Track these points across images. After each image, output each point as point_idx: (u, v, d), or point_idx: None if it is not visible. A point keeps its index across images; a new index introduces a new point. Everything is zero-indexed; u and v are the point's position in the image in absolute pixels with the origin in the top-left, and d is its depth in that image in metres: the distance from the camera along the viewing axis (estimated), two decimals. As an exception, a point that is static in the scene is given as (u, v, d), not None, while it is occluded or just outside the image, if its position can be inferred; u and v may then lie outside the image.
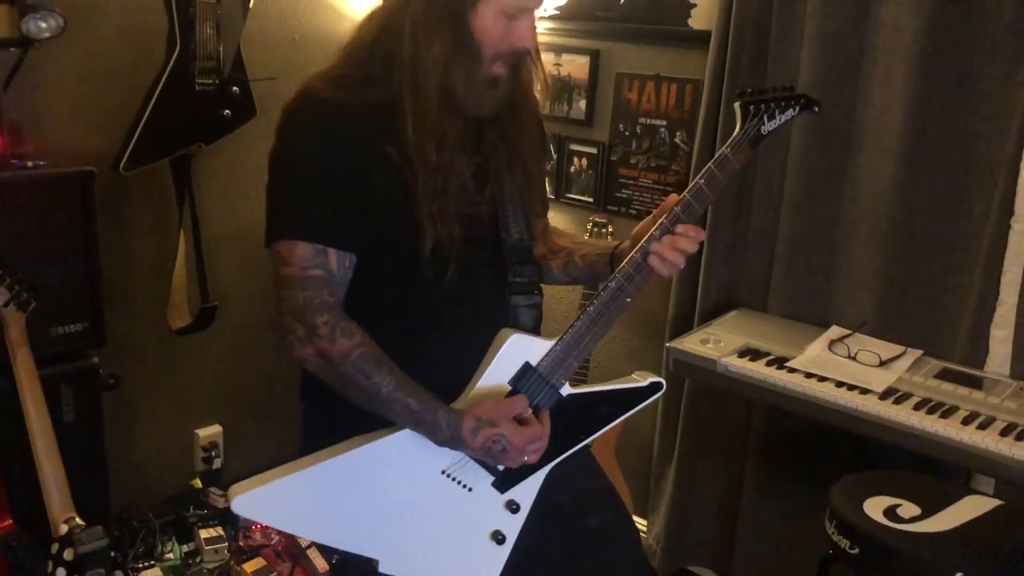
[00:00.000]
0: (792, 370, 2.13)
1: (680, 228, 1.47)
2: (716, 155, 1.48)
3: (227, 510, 2.73)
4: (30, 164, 2.07)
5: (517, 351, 1.49)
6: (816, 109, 1.58)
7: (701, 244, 2.53)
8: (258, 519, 1.50)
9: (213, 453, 2.82)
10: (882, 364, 2.15)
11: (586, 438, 1.58)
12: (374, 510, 1.46)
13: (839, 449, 2.32)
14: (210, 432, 2.84)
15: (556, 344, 1.49)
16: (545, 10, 2.91)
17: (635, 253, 1.48)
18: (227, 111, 2.47)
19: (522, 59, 1.49)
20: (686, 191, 1.48)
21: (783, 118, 1.52)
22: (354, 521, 1.46)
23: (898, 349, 2.23)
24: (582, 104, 2.89)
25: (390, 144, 1.43)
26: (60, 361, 2.15)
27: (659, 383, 1.57)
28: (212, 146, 2.49)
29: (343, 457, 1.44)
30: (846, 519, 1.74)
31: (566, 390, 1.51)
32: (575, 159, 2.94)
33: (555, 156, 2.96)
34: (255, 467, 2.96)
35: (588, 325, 1.48)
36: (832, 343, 2.25)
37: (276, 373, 2.94)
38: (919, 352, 2.23)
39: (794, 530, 2.48)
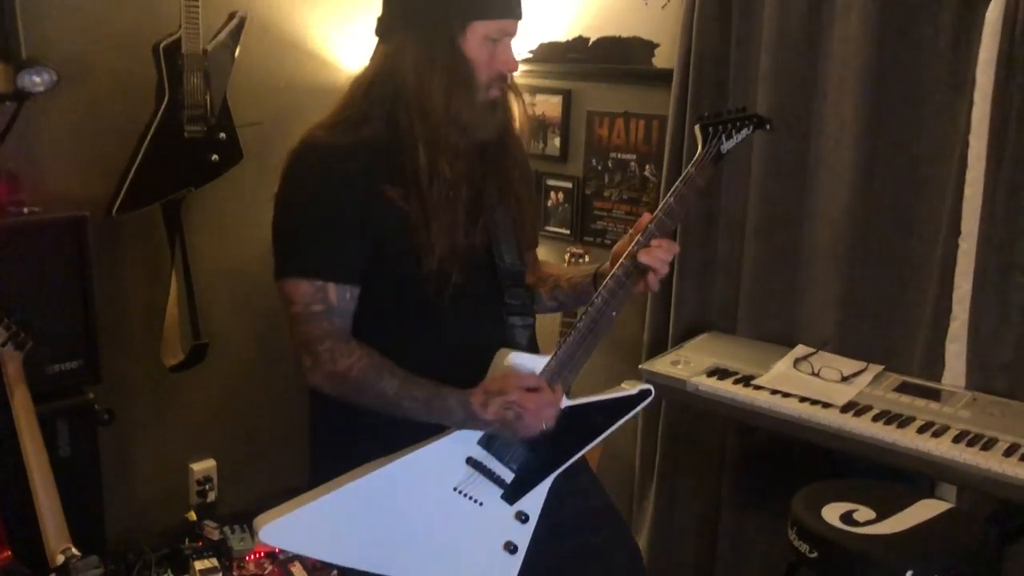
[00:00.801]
0: (758, 387, 2.22)
1: (655, 242, 1.57)
2: (683, 175, 1.60)
3: (221, 542, 2.81)
4: (26, 211, 2.18)
5: (516, 368, 1.56)
6: (768, 127, 1.70)
7: (673, 268, 2.66)
8: (284, 546, 1.56)
9: (207, 486, 2.90)
10: (844, 379, 2.25)
11: (586, 445, 1.65)
12: (393, 530, 1.53)
13: (811, 463, 2.40)
14: (204, 466, 2.92)
15: (551, 360, 1.57)
16: (519, 54, 3.03)
17: (616, 270, 1.58)
18: (215, 156, 2.58)
19: (509, 84, 1.62)
20: (658, 210, 1.59)
21: (739, 136, 1.65)
22: (375, 542, 1.52)
23: (860, 365, 2.32)
24: (556, 141, 3.01)
25: (389, 181, 1.54)
26: (56, 398, 2.25)
27: (648, 390, 1.65)
28: (201, 189, 2.60)
29: (360, 482, 1.50)
30: (805, 525, 1.83)
31: (564, 402, 1.58)
32: (552, 193, 3.06)
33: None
34: (249, 499, 3.06)
35: (579, 340, 1.57)
36: (797, 361, 2.35)
37: (267, 407, 3.03)
38: (880, 367, 2.32)
39: (772, 542, 2.55)
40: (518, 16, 1.60)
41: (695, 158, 1.61)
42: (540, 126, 3.03)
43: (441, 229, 1.54)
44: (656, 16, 2.74)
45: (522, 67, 3.04)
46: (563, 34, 2.95)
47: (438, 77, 1.53)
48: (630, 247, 1.59)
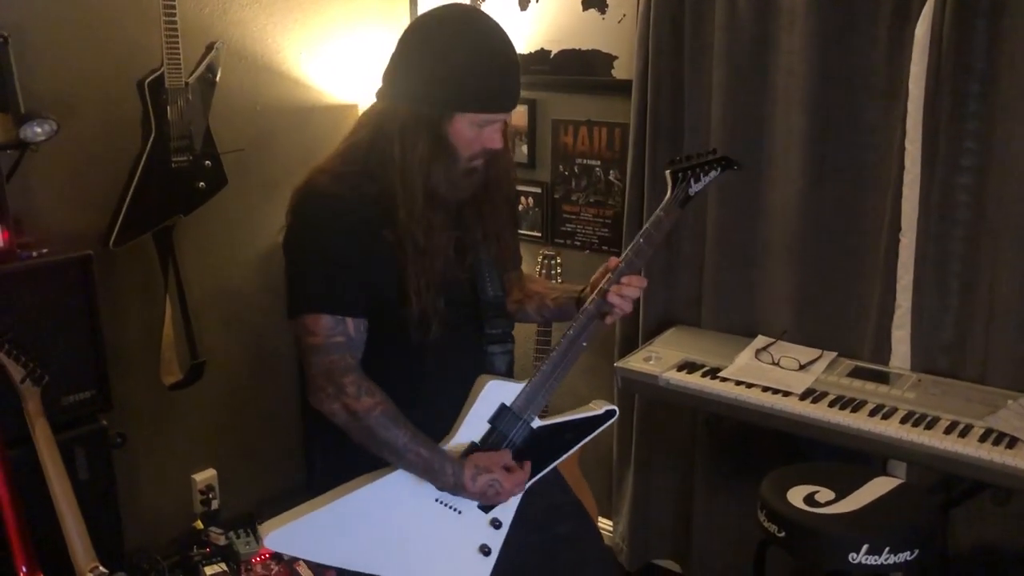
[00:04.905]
0: (724, 379, 2.41)
1: (624, 279, 1.71)
2: (652, 217, 1.72)
3: (228, 547, 2.97)
4: (35, 254, 2.30)
5: (494, 394, 1.74)
6: (736, 168, 1.81)
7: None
8: (285, 551, 1.74)
9: (210, 495, 3.04)
10: (801, 368, 2.45)
11: (555, 460, 1.84)
12: (383, 535, 1.71)
13: (776, 445, 2.60)
14: (206, 476, 3.07)
15: (526, 386, 1.74)
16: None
17: (588, 305, 1.72)
18: (202, 183, 2.70)
19: (494, 155, 1.73)
20: (628, 249, 1.72)
21: (707, 179, 1.77)
22: (367, 546, 1.71)
23: (815, 352, 2.52)
24: (524, 149, 3.17)
25: (386, 228, 1.66)
26: (73, 426, 2.37)
27: (613, 410, 1.82)
28: (191, 215, 2.73)
29: (354, 494, 1.69)
30: (773, 508, 2.04)
31: (536, 423, 1.77)
32: (522, 198, 3.22)
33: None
34: (249, 504, 3.21)
35: (552, 368, 1.74)
36: (758, 352, 2.55)
37: (261, 416, 3.18)
38: (834, 354, 2.52)
39: (741, 519, 2.76)
40: (508, 109, 1.68)
41: (664, 202, 1.73)
42: (508, 135, 3.18)
43: (416, 291, 1.66)
44: (613, 30, 2.90)
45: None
46: (525, 47, 3.10)
47: (420, 152, 1.63)
48: (602, 283, 1.72)
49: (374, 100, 1.74)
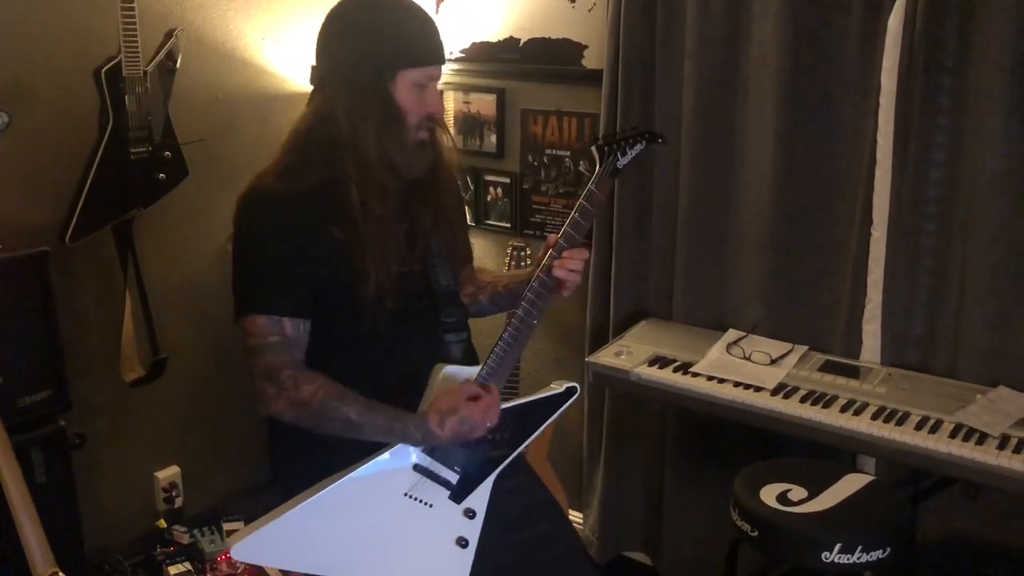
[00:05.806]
0: (696, 374, 2.39)
1: (566, 254, 1.74)
2: (584, 191, 1.75)
3: (192, 545, 2.92)
4: (-14, 250, 2.22)
5: (450, 380, 1.73)
6: (661, 141, 1.85)
7: (609, 263, 2.79)
8: (255, 561, 1.69)
9: (173, 492, 2.98)
10: (773, 362, 2.44)
11: (522, 443, 1.81)
12: (353, 537, 1.68)
13: (747, 440, 2.61)
14: (169, 473, 3.00)
15: (482, 370, 1.73)
16: (452, 53, 3.14)
17: (533, 282, 1.74)
18: (162, 175, 2.63)
19: (436, 125, 1.77)
20: (566, 224, 1.75)
21: (633, 153, 1.80)
22: (338, 550, 1.67)
23: (786, 346, 2.51)
24: (492, 138, 3.12)
25: (330, 221, 1.68)
26: (30, 428, 2.29)
27: (574, 387, 1.82)
28: (150, 208, 2.65)
29: (317, 497, 1.64)
30: (746, 506, 2.03)
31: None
32: (491, 188, 3.18)
33: (472, 187, 3.20)
34: (214, 500, 3.14)
35: (505, 350, 1.73)
36: (729, 346, 2.53)
37: (225, 410, 3.12)
38: (804, 348, 2.51)
39: (712, 514, 2.76)
40: (441, 61, 1.75)
41: (594, 175, 1.76)
42: (476, 123, 3.14)
43: (375, 261, 1.68)
44: (583, 19, 2.85)
45: (455, 66, 3.14)
46: (494, 34, 3.05)
47: (371, 122, 1.67)
48: (543, 261, 1.74)
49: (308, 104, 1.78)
